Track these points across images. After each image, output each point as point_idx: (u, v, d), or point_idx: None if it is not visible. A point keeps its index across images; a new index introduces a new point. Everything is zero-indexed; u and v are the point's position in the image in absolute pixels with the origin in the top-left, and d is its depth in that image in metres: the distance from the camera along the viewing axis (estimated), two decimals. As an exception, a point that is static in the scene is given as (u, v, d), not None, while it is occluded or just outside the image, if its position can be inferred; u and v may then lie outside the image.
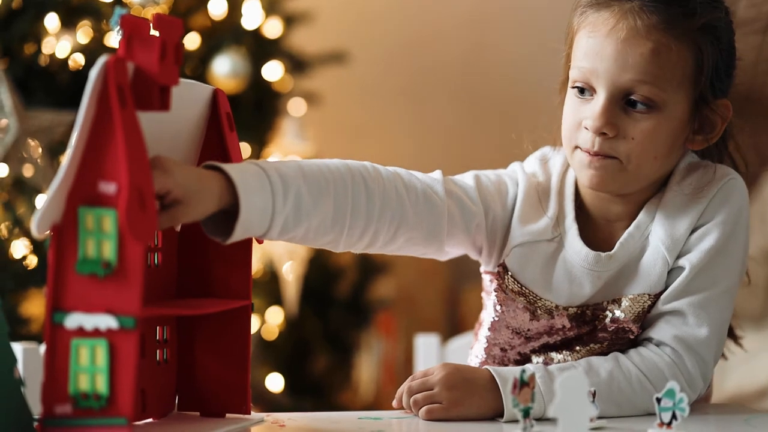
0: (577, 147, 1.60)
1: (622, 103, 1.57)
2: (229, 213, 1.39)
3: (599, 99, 1.57)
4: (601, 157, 1.58)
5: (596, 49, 1.58)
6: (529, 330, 1.64)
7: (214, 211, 1.37)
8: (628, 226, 1.63)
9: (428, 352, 2.19)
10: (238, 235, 1.39)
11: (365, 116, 4.19)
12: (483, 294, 1.72)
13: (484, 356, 1.68)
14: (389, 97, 4.28)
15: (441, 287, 4.07)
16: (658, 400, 1.38)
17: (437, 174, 1.64)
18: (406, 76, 4.29)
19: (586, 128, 1.58)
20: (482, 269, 1.71)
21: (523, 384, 1.35)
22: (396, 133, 4.25)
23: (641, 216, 1.63)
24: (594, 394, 1.50)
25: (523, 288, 1.64)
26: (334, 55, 3.36)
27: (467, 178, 1.67)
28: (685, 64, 1.57)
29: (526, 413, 1.35)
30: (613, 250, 1.62)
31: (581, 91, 1.60)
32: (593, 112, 1.57)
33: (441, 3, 4.29)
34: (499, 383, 1.51)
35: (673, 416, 1.37)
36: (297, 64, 3.28)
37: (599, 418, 1.49)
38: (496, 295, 1.66)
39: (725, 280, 1.61)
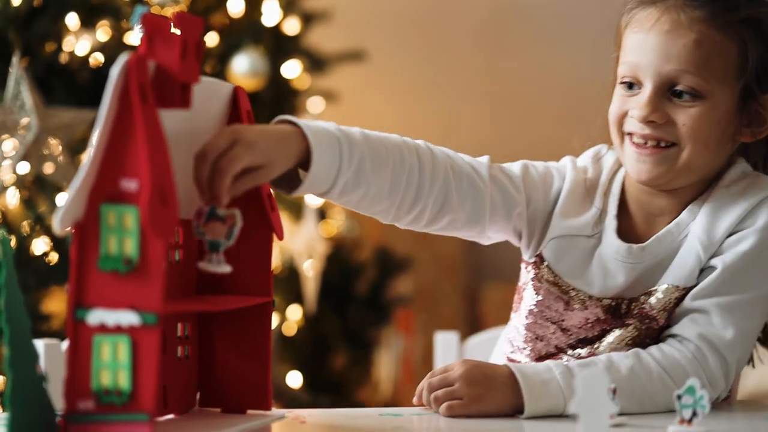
0: (625, 135, 1.63)
1: (667, 93, 1.60)
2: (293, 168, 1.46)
3: (645, 90, 1.60)
4: (653, 150, 1.60)
5: (641, 43, 1.61)
6: (564, 320, 1.65)
7: (290, 168, 1.45)
8: (669, 222, 1.64)
9: (447, 349, 2.19)
10: (304, 189, 1.47)
11: (384, 114, 4.19)
12: (519, 284, 1.73)
13: (523, 345, 1.69)
14: (409, 94, 4.28)
15: (460, 285, 4.07)
16: (679, 397, 1.38)
17: (485, 159, 1.67)
18: (426, 73, 4.29)
19: (633, 118, 1.61)
20: (522, 258, 1.72)
21: (214, 217, 1.36)
22: (417, 130, 4.24)
23: (684, 215, 1.65)
24: (614, 391, 1.50)
25: (557, 278, 1.66)
26: (352, 53, 3.36)
27: (515, 167, 1.69)
28: (728, 55, 1.60)
29: (214, 247, 1.36)
30: (646, 243, 1.64)
31: (629, 86, 1.63)
32: (639, 102, 1.60)
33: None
34: (519, 380, 1.51)
35: (694, 413, 1.37)
36: (315, 62, 3.28)
37: (620, 414, 1.49)
38: (532, 284, 1.68)
39: (757, 289, 1.60)
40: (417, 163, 1.57)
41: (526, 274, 1.70)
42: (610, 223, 1.67)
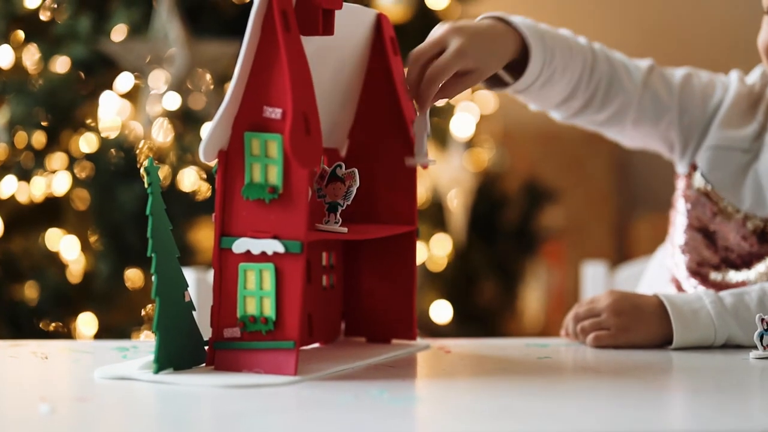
0: None
1: None
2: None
3: None
4: None
5: None
6: (715, 232, 1.60)
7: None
8: None
9: (596, 281, 2.16)
10: (516, 87, 1.56)
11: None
12: (674, 204, 1.69)
13: (684, 274, 1.65)
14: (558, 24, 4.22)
15: (609, 216, 4.02)
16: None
17: (645, 63, 1.67)
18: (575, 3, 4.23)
19: None
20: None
21: (335, 178, 1.36)
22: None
23: None
24: (766, 322, 1.46)
25: (707, 185, 1.62)
26: (502, -19, 3.32)
27: (677, 74, 1.68)
28: None
29: (333, 208, 1.36)
30: None
31: None
32: None
33: None
34: (668, 309, 1.48)
35: None
36: (464, -9, 3.24)
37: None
38: (683, 194, 1.65)
39: None
40: (591, 58, 1.62)
41: (679, 189, 1.68)
42: None
